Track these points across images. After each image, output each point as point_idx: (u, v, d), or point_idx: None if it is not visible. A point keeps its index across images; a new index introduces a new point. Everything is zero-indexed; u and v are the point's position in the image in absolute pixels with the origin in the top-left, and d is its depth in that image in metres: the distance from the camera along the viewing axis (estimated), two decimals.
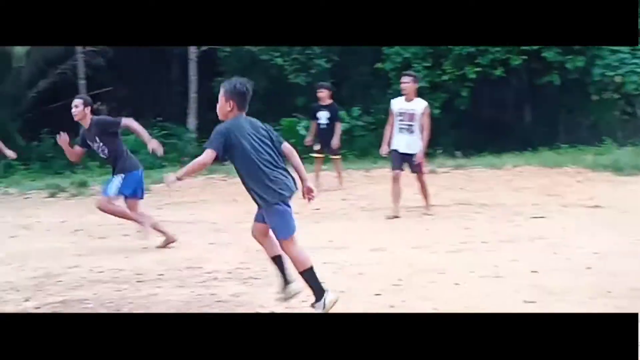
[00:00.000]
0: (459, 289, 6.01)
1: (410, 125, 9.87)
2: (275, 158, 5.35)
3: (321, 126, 12.93)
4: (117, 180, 8.35)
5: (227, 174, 15.27)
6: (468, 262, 6.98)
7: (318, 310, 5.29)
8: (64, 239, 9.20)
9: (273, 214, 5.32)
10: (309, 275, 5.33)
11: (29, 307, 5.88)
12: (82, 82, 20.73)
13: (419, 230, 8.86)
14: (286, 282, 5.54)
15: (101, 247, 8.61)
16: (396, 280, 6.33)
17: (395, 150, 9.97)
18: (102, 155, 8.54)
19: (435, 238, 8.23)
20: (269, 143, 5.36)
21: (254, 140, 5.30)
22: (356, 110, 20.20)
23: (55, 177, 16.44)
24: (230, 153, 5.29)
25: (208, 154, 5.25)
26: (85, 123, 8.40)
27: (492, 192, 11.77)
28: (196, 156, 5.48)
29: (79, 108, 8.37)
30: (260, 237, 5.59)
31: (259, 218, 5.53)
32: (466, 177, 13.53)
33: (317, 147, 13.04)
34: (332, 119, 12.86)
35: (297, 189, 5.37)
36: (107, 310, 5.72)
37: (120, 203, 8.45)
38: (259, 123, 5.45)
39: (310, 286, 5.34)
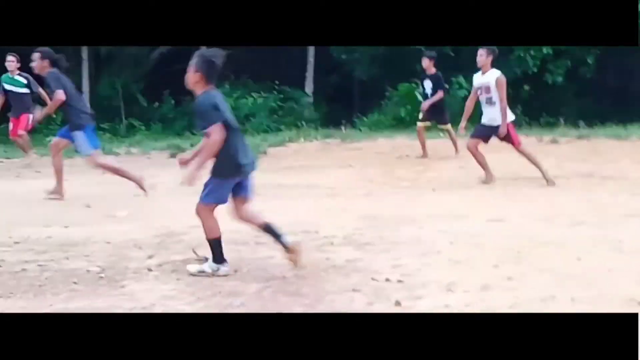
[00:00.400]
0: (581, 264, 5.84)
1: (489, 97, 9.89)
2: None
3: (427, 96, 12.96)
4: (81, 138, 8.90)
5: (342, 139, 15.34)
6: (590, 235, 6.78)
7: (205, 268, 5.62)
8: (185, 199, 9.36)
9: (218, 182, 5.64)
10: (214, 243, 5.69)
11: (152, 264, 6.06)
12: (202, 46, 21.11)
13: (539, 202, 8.67)
14: (284, 245, 5.80)
15: (220, 207, 8.74)
16: (515, 252, 6.20)
17: (481, 124, 10.09)
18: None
19: (557, 210, 8.02)
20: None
21: (231, 113, 5.55)
22: None
23: (176, 138, 16.87)
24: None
25: (218, 129, 5.38)
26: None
27: (617, 164, 11.39)
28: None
29: (36, 62, 8.68)
30: (239, 217, 5.84)
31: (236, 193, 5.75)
32: (589, 148, 13.14)
33: (420, 116, 13.06)
34: (436, 88, 12.80)
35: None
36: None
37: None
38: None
39: (213, 252, 5.67)
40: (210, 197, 5.66)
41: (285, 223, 7.57)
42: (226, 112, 5.47)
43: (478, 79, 10.11)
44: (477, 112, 10.45)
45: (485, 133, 10.03)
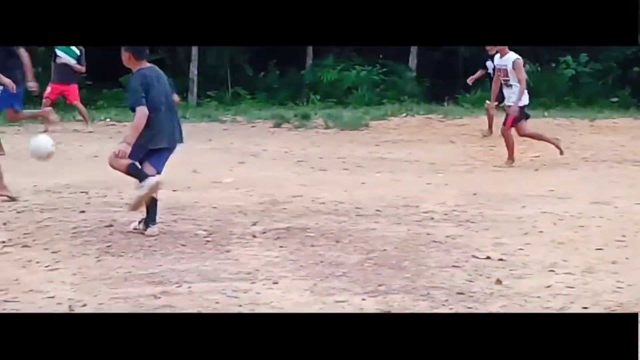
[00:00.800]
0: None
1: (506, 80, 10.04)
2: (173, 106, 6.19)
3: (491, 76, 12.92)
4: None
5: (445, 115, 15.25)
6: None
7: (143, 190, 5.92)
8: (288, 168, 9.61)
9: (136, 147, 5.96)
10: (130, 169, 6.00)
11: (256, 231, 6.22)
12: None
13: None
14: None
15: (322, 179, 8.90)
16: (619, 236, 6.11)
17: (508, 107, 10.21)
18: None
19: None
20: (169, 92, 6.15)
21: (159, 88, 5.99)
22: (584, 57, 19.37)
23: (280, 108, 17.07)
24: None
25: (142, 111, 5.89)
26: None
27: None
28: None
29: None
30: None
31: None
32: None
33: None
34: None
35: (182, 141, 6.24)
36: (327, 241, 5.93)
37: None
38: (160, 72, 6.15)
39: (134, 175, 5.99)
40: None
41: (387, 196, 7.69)
42: (153, 90, 5.94)
43: (497, 60, 10.31)
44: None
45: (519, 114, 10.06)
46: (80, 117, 13.78)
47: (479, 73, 13.40)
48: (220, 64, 20.03)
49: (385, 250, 5.68)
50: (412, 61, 20.89)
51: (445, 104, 17.35)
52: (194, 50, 19.48)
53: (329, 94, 19.26)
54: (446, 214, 6.95)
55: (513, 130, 9.98)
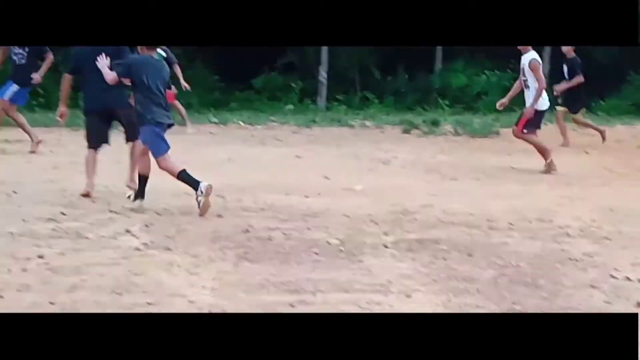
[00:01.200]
0: None
1: (524, 80, 9.90)
2: (163, 96, 7.14)
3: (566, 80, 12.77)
4: (14, 87, 10.39)
5: (575, 125, 14.85)
6: None
7: (200, 197, 6.92)
8: (418, 177, 9.59)
9: (148, 134, 7.05)
10: (183, 176, 7.03)
11: (388, 241, 6.24)
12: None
13: None
14: (138, 196, 7.19)
15: (452, 188, 8.85)
16: None
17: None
18: (17, 60, 10.34)
19: None
20: (163, 83, 7.16)
21: (152, 76, 6.99)
22: None
23: (408, 113, 17.06)
24: (131, 78, 7.05)
25: (113, 75, 7.11)
26: None
27: None
28: None
29: None
30: (139, 155, 7.28)
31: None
32: None
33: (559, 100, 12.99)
34: (571, 72, 12.66)
35: (172, 123, 7.28)
36: (459, 254, 5.90)
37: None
38: (163, 65, 7.39)
39: (188, 183, 7.02)
40: (156, 152, 7.11)
41: (520, 208, 7.57)
42: (141, 72, 6.98)
43: (521, 60, 10.03)
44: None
45: (535, 118, 10.00)
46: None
47: (577, 79, 12.94)
48: (349, 66, 20.17)
49: (519, 266, 5.59)
50: (545, 67, 20.45)
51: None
52: (324, 53, 19.69)
53: (458, 99, 19.12)
54: (582, 230, 6.79)
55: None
